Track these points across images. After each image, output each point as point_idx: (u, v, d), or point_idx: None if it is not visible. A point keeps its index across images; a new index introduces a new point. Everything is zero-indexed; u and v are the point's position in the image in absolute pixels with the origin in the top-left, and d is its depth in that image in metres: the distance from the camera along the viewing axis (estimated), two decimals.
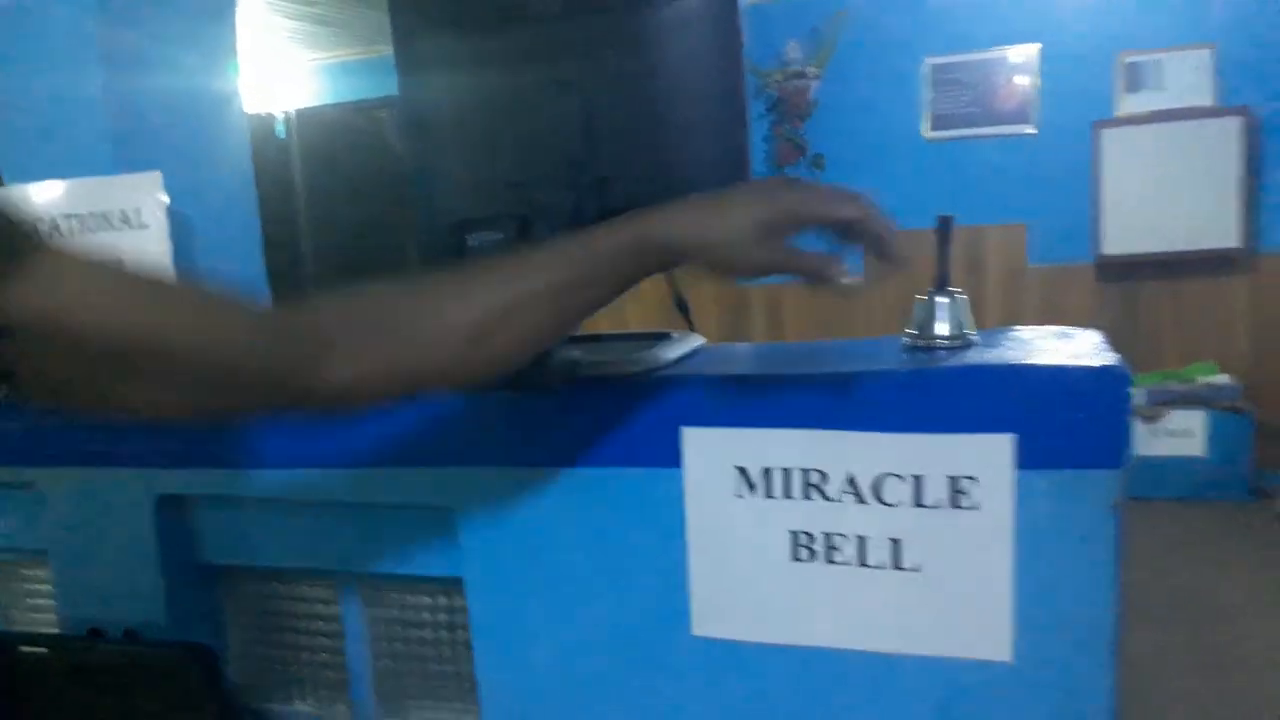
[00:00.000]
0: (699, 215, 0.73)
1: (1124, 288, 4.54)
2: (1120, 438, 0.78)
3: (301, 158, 1.80)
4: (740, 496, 0.94)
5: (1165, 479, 4.25)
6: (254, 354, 0.65)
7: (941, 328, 0.96)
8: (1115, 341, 0.93)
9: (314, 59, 5.63)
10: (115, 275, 0.61)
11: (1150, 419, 4.29)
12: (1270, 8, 4.21)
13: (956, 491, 0.84)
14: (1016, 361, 0.83)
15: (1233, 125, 4.25)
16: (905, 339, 0.99)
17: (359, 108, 1.63)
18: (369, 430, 1.07)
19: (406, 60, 1.12)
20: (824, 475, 0.90)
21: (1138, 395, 4.27)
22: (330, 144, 1.78)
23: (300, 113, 1.74)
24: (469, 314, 0.71)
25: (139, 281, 0.62)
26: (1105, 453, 0.78)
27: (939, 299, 0.97)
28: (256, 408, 0.76)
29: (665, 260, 0.74)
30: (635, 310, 2.94)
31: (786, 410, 0.91)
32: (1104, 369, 0.78)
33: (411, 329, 0.70)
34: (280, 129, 1.70)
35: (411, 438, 1.06)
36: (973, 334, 0.97)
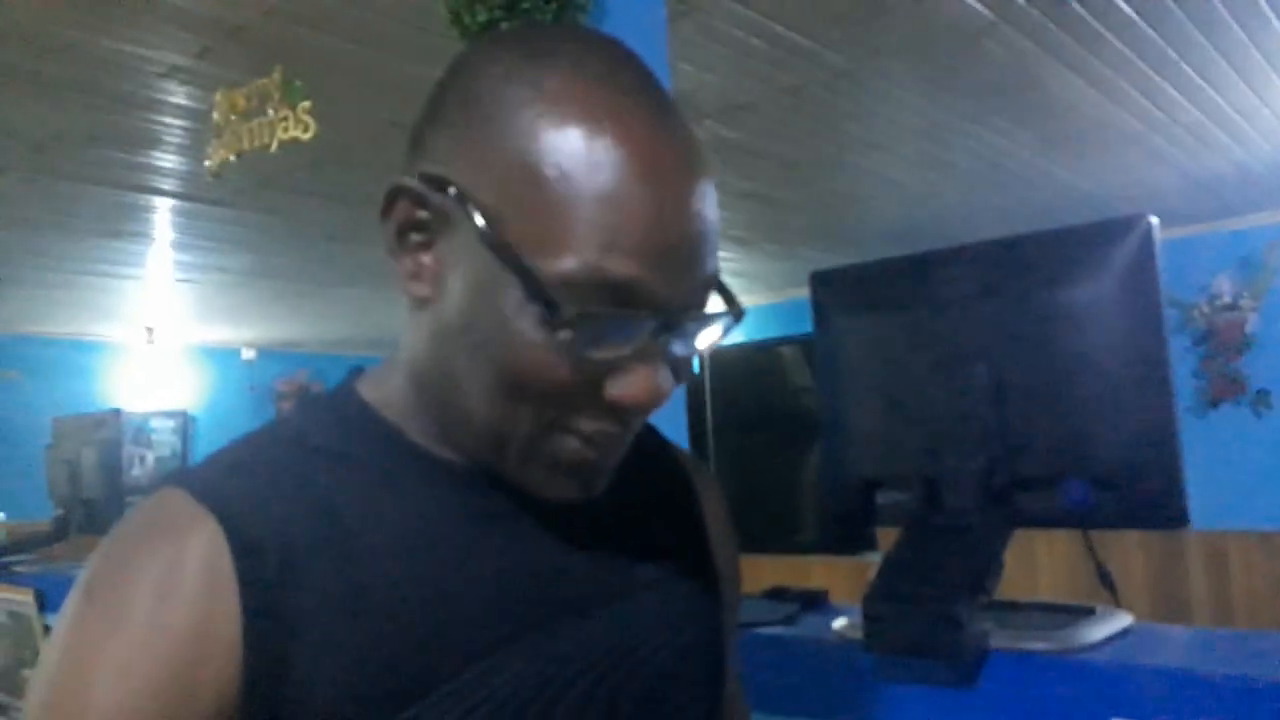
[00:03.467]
0: None
1: None
2: None
3: (711, 390, 1.97)
4: None
5: None
6: None
7: None
8: None
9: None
10: None
11: None
12: None
13: None
14: None
15: None
16: None
17: (762, 346, 1.77)
18: (773, 674, 1.10)
19: (824, 334, 1.22)
20: None
21: None
22: (737, 378, 1.95)
23: (712, 352, 1.93)
24: None
25: None
26: None
27: None
28: None
29: None
30: (1048, 577, 2.70)
31: (1229, 711, 0.83)
32: None
33: None
34: (695, 366, 1.88)
35: (823, 692, 1.08)
36: None
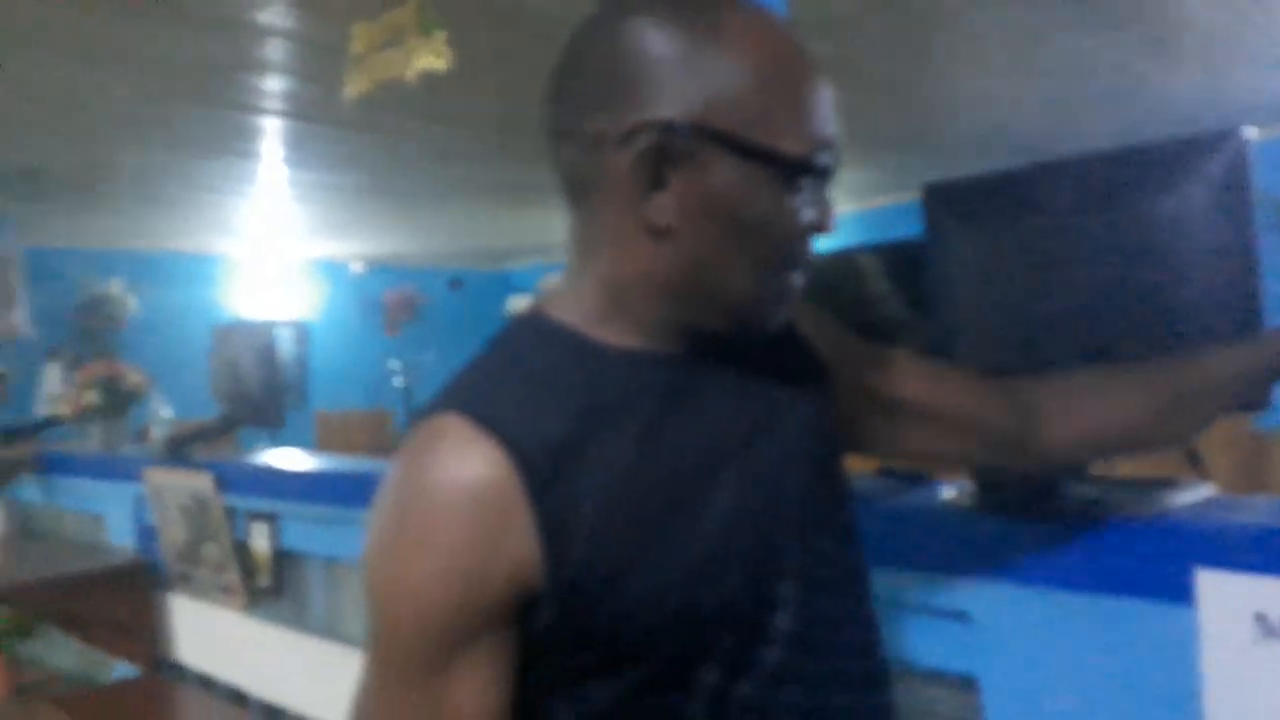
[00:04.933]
0: None
1: None
2: None
3: None
4: (1259, 643, 0.95)
5: None
6: (999, 414, 0.92)
7: None
8: None
9: None
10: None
11: None
12: None
13: None
14: None
15: None
16: None
17: (841, 254, 1.81)
18: (893, 535, 1.25)
19: (936, 238, 1.34)
20: None
21: None
22: (818, 286, 2.00)
23: None
24: (1158, 395, 0.92)
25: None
26: None
27: None
28: (992, 458, 0.99)
29: None
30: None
31: None
32: None
33: (1112, 403, 0.93)
34: None
35: (936, 546, 1.23)
36: None
